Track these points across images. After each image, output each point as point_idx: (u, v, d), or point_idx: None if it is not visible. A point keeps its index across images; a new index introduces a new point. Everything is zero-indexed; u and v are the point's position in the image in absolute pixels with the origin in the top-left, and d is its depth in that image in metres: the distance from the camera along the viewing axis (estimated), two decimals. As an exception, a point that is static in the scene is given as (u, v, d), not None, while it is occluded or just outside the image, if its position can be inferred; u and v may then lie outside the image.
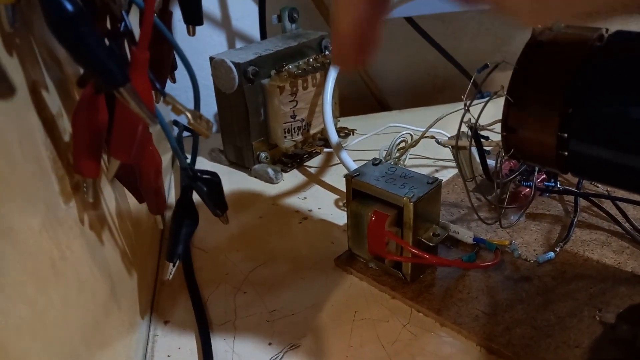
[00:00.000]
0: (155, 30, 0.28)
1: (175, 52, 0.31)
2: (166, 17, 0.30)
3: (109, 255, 0.30)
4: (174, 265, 0.32)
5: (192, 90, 0.28)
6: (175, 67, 0.35)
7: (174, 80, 0.36)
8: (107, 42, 0.25)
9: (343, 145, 0.53)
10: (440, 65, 0.80)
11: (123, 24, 0.25)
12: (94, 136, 0.24)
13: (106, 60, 0.20)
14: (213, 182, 0.31)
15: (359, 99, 0.80)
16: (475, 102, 0.36)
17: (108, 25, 0.26)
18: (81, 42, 0.20)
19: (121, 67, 0.20)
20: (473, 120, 0.34)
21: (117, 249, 0.32)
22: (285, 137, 0.56)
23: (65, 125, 0.26)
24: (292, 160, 0.58)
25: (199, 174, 0.30)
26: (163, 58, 0.32)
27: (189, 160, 0.59)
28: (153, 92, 0.27)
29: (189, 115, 0.25)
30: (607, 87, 0.28)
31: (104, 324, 0.28)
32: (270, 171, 0.55)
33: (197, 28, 0.71)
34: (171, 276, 0.32)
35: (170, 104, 0.24)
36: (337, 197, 0.52)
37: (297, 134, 0.57)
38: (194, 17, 0.34)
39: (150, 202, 0.31)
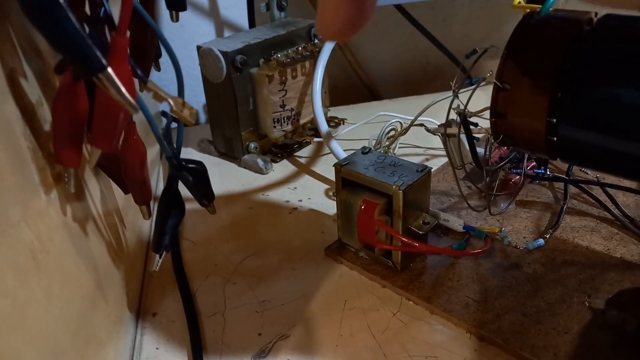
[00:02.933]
0: (138, 17, 0.28)
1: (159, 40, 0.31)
2: (149, 3, 0.30)
3: (94, 247, 0.30)
4: (160, 257, 0.31)
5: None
6: (159, 55, 0.35)
7: (158, 68, 0.35)
8: (86, 28, 0.24)
9: (333, 135, 0.52)
10: (432, 54, 0.79)
11: (103, 9, 0.24)
12: (74, 125, 0.23)
13: (84, 45, 0.20)
14: (199, 171, 0.30)
15: (350, 88, 0.79)
16: (465, 89, 0.35)
17: (88, 11, 0.25)
18: (57, 27, 0.19)
19: (99, 53, 0.20)
20: (462, 107, 0.34)
21: (102, 241, 0.32)
22: (274, 127, 0.56)
23: (46, 115, 0.25)
24: (282, 150, 0.58)
25: (184, 164, 0.29)
26: (146, 45, 0.31)
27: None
28: (137, 79, 0.26)
29: (171, 102, 0.24)
30: (596, 71, 0.27)
31: (89, 316, 0.27)
32: (259, 162, 0.54)
33: (186, 18, 0.70)
34: (158, 267, 0.32)
35: (152, 91, 0.24)
36: (327, 186, 0.52)
37: (287, 124, 0.57)
38: (177, 2, 0.33)
39: (135, 193, 0.31)
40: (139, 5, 0.25)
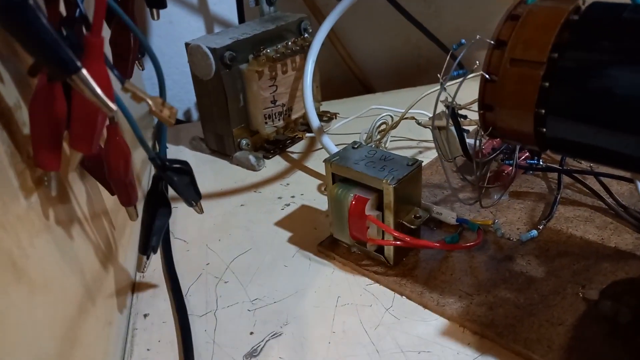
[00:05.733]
0: (118, 16, 0.27)
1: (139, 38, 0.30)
2: (128, 2, 0.29)
3: (81, 251, 0.30)
4: (148, 258, 0.31)
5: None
6: (143, 54, 0.34)
7: (142, 67, 0.34)
8: (63, 30, 0.24)
9: (325, 130, 0.52)
10: (424, 46, 0.78)
11: (78, 9, 0.23)
12: (52, 128, 0.23)
13: (56, 47, 0.19)
14: (184, 171, 0.30)
15: (343, 82, 0.79)
16: (454, 81, 0.35)
17: (64, 11, 0.25)
18: (28, 29, 0.19)
19: (72, 54, 0.19)
20: (450, 99, 0.33)
21: (90, 244, 0.31)
22: (266, 123, 0.55)
23: (24, 117, 0.25)
24: (274, 146, 0.57)
25: (167, 164, 0.29)
26: (128, 44, 0.31)
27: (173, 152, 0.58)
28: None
29: (150, 102, 0.23)
30: (584, 60, 0.27)
31: (76, 321, 0.27)
32: (251, 158, 0.54)
33: (175, 14, 0.69)
34: (146, 269, 0.31)
35: (130, 92, 0.23)
36: (320, 182, 0.51)
37: (278, 120, 0.56)
38: (156, -1, 0.32)
39: (120, 194, 0.30)
40: (115, 4, 0.25)
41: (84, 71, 0.20)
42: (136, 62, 0.33)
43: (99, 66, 0.21)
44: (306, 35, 0.57)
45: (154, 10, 0.33)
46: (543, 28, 0.28)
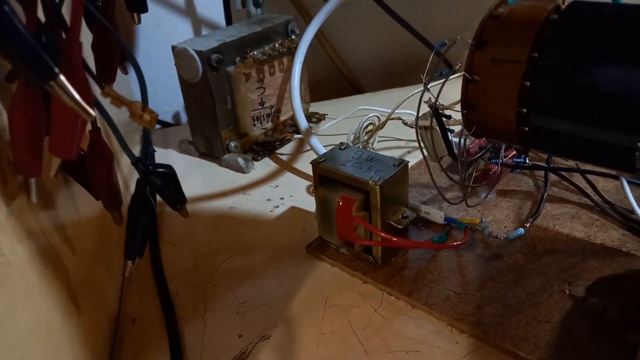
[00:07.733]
0: (98, 21, 0.27)
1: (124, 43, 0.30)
2: (109, 7, 0.29)
3: (66, 256, 0.29)
4: (133, 263, 0.31)
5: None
6: (125, 58, 0.34)
7: (125, 72, 0.34)
8: (42, 35, 0.24)
9: (313, 131, 0.52)
10: (413, 44, 0.78)
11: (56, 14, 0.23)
12: (32, 133, 0.23)
13: (32, 53, 0.19)
14: (167, 175, 0.29)
15: (332, 83, 0.79)
16: (439, 81, 0.35)
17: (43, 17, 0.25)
18: (3, 36, 0.18)
19: (49, 59, 0.19)
20: (433, 100, 0.33)
21: (75, 249, 0.31)
22: (254, 125, 0.55)
23: (4, 123, 0.25)
24: (263, 148, 0.57)
25: (150, 168, 0.29)
26: (110, 49, 0.31)
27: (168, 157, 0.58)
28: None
29: (130, 107, 0.23)
30: (564, 59, 0.27)
31: (60, 327, 0.27)
32: (240, 160, 0.54)
33: (162, 17, 0.69)
34: (129, 274, 0.31)
35: (109, 96, 0.23)
36: (309, 183, 0.51)
37: (267, 122, 0.56)
38: (137, 4, 0.32)
39: (104, 199, 0.30)
40: (94, 9, 0.25)
41: (62, 77, 0.20)
42: (119, 66, 0.33)
43: (77, 71, 0.21)
44: (293, 36, 0.57)
45: (135, 15, 0.32)
46: (523, 27, 0.28)
